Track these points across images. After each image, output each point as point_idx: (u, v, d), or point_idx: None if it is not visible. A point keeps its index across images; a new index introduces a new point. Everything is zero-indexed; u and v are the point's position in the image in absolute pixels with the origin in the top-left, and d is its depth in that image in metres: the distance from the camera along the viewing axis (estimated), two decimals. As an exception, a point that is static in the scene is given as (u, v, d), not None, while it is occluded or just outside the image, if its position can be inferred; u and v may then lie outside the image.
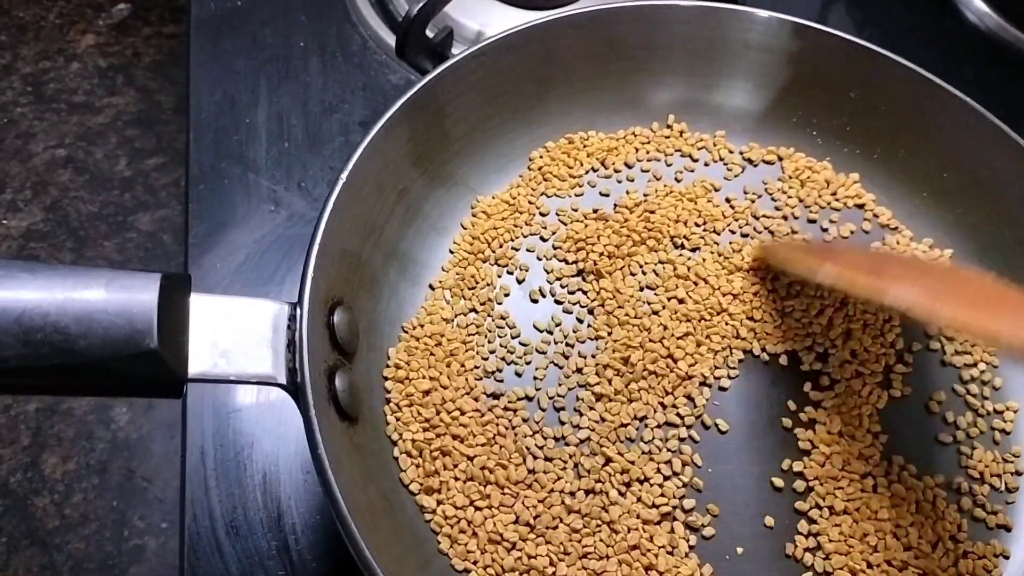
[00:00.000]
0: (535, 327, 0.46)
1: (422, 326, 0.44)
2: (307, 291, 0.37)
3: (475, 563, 0.39)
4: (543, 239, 0.48)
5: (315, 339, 0.36)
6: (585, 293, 0.47)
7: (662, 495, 0.41)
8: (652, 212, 0.49)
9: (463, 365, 0.43)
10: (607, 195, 0.50)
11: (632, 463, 0.41)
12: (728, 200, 0.50)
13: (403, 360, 0.43)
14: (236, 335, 0.35)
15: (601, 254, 0.47)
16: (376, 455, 0.40)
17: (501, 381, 0.44)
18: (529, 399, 0.43)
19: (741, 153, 0.52)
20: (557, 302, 0.46)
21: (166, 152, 1.19)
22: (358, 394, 0.39)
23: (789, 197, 0.50)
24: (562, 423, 0.43)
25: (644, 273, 0.47)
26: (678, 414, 0.43)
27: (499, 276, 0.47)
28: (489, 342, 0.45)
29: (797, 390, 0.45)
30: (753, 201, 0.50)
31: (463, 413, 0.42)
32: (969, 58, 0.64)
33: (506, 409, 0.43)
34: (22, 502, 0.99)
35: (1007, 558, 0.41)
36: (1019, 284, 0.47)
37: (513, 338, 0.45)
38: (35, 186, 1.18)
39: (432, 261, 0.47)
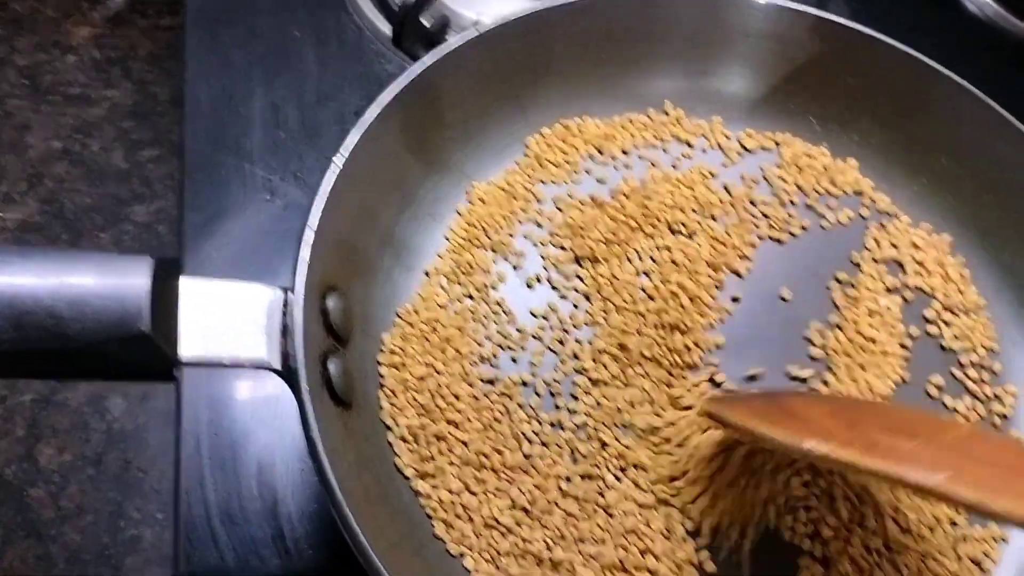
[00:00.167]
0: (531, 313, 0.45)
1: (417, 312, 0.44)
2: (301, 276, 0.37)
3: (470, 548, 0.39)
4: (539, 226, 0.48)
5: (309, 324, 0.36)
6: (582, 279, 0.46)
7: (659, 480, 0.41)
8: (649, 199, 0.48)
9: (458, 351, 0.43)
10: (604, 182, 0.50)
11: (628, 448, 0.41)
12: (725, 187, 0.50)
13: (398, 346, 0.43)
14: (229, 319, 0.35)
15: (598, 240, 0.47)
16: (370, 441, 0.40)
17: (497, 367, 0.44)
18: (525, 385, 0.43)
19: (738, 140, 0.52)
20: (553, 288, 0.46)
21: (162, 144, 1.19)
22: (352, 379, 0.39)
23: (787, 183, 0.50)
24: (558, 408, 0.43)
25: (641, 259, 0.47)
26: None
27: (495, 263, 0.47)
28: (485, 328, 0.44)
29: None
30: (751, 188, 0.50)
31: (458, 399, 0.42)
32: (969, 47, 0.63)
33: (502, 395, 0.42)
34: (17, 493, 0.99)
35: (1006, 542, 0.41)
36: (1016, 272, 0.48)
37: (509, 324, 0.45)
38: (31, 178, 1.18)
39: (427, 248, 0.47)
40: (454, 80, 0.47)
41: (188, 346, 0.33)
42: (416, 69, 0.44)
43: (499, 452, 0.41)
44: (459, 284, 0.46)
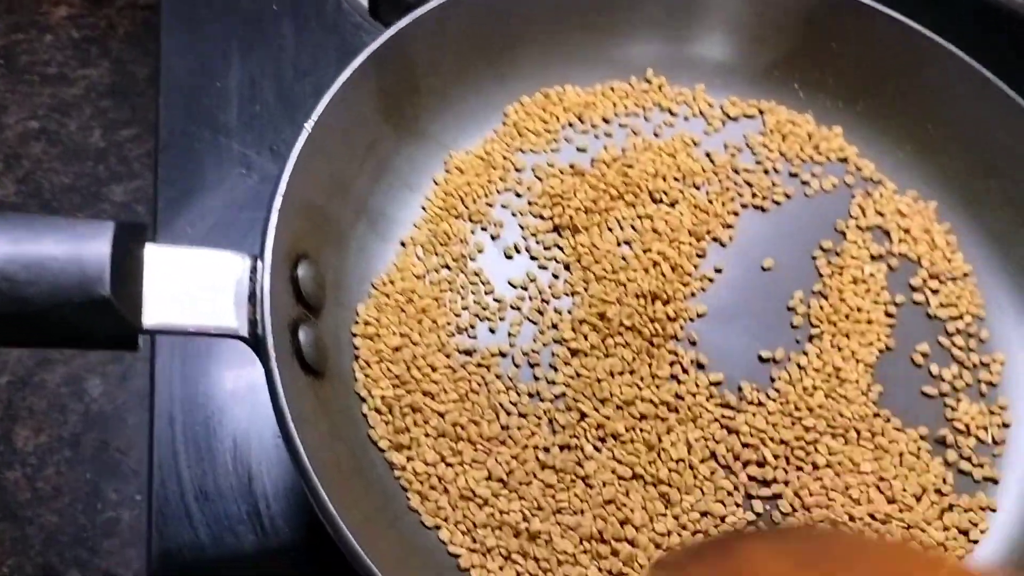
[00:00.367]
0: (510, 283, 0.44)
1: (392, 283, 0.43)
2: (269, 242, 0.36)
3: (446, 519, 0.38)
4: (518, 195, 0.47)
5: (277, 291, 0.35)
6: (561, 249, 0.45)
7: (635, 452, 0.40)
8: (630, 167, 0.48)
9: (435, 322, 0.42)
10: (584, 150, 0.49)
11: (608, 418, 0.40)
12: (708, 155, 0.49)
13: (372, 316, 0.42)
14: (195, 286, 0.34)
15: (578, 209, 0.46)
16: (344, 412, 0.39)
17: (475, 338, 0.43)
18: (503, 355, 0.42)
19: (721, 107, 0.51)
20: (532, 258, 0.45)
21: (140, 123, 1.17)
22: (323, 349, 0.38)
23: (770, 151, 0.49)
24: (537, 379, 0.42)
25: (622, 228, 0.46)
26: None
27: (473, 233, 0.46)
28: (462, 298, 0.43)
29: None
30: (734, 155, 0.49)
31: (435, 370, 0.41)
32: (956, 12, 0.62)
33: (479, 365, 0.41)
34: (-7, 475, 0.98)
35: (994, 511, 0.41)
36: (1002, 239, 0.47)
37: (487, 294, 0.44)
38: (7, 159, 1.17)
39: (403, 217, 0.46)
40: (429, 46, 0.46)
41: (152, 313, 0.33)
42: (389, 33, 0.43)
43: (476, 423, 0.40)
44: (436, 254, 0.45)
